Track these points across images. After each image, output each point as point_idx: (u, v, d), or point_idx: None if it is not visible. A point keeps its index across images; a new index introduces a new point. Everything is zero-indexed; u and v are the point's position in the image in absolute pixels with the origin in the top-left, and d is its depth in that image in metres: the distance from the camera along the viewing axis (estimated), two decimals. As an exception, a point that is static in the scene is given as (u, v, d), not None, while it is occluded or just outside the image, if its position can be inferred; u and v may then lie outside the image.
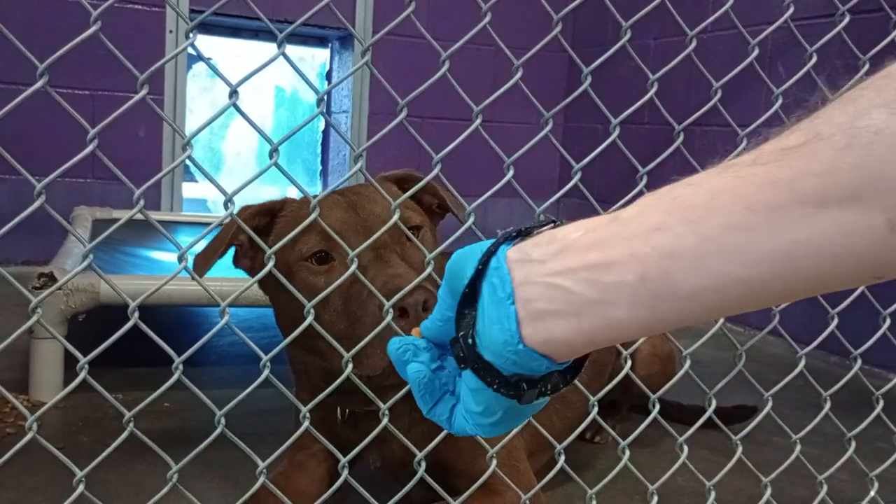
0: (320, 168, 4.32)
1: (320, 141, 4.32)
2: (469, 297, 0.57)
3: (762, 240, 0.46)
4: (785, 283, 0.46)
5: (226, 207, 0.89)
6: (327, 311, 1.12)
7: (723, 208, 0.47)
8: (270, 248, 0.96)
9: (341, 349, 1.00)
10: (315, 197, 0.98)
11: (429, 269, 1.02)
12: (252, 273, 1.26)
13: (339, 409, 1.27)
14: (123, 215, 0.84)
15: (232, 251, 1.25)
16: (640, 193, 1.09)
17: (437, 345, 0.63)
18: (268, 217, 1.24)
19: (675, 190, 0.51)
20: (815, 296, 0.50)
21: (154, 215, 1.18)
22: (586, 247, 0.52)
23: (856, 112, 0.43)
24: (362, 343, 1.01)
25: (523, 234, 0.57)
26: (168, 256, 2.38)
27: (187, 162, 0.95)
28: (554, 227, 0.56)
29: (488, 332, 0.55)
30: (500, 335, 0.54)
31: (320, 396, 1.03)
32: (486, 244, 0.58)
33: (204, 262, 1.16)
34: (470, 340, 0.57)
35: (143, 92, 0.83)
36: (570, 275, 0.52)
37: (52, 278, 1.77)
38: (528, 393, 0.56)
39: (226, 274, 1.39)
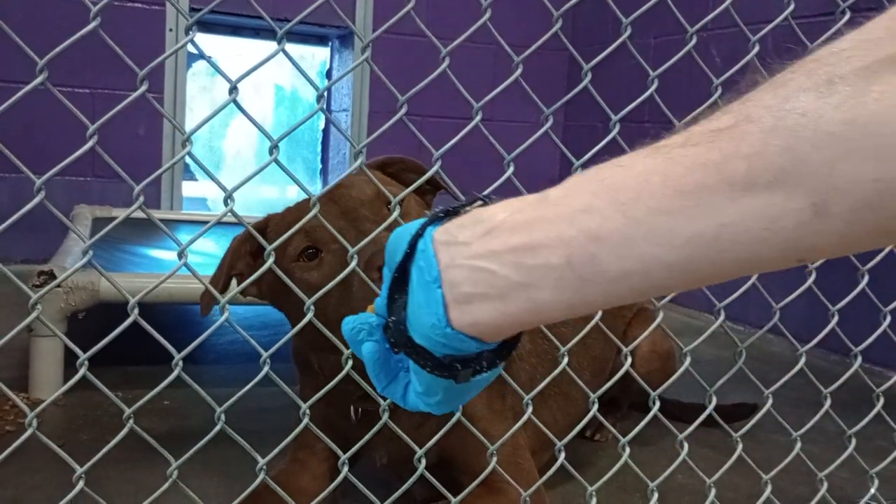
0: (320, 167, 4.32)
1: (320, 139, 4.31)
2: (399, 281, 0.57)
3: (691, 222, 0.45)
4: (710, 265, 0.46)
5: (225, 204, 0.89)
6: (331, 302, 1.11)
7: (653, 190, 0.46)
8: (268, 268, 0.96)
9: (340, 345, 1.00)
10: (304, 201, 0.98)
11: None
12: (260, 297, 1.27)
13: (352, 408, 1.27)
14: (123, 214, 0.84)
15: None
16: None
17: None
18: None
19: (604, 171, 0.50)
20: (738, 277, 0.49)
21: (154, 213, 1.18)
22: (511, 229, 0.51)
23: (785, 95, 0.43)
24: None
25: (451, 213, 0.56)
26: (168, 255, 2.38)
27: (187, 160, 0.95)
28: (482, 206, 0.56)
29: (417, 316, 0.55)
30: (428, 319, 0.54)
31: (320, 393, 1.03)
32: (416, 225, 0.57)
33: (209, 298, 1.16)
34: (402, 325, 0.56)
35: (143, 88, 0.83)
36: (495, 258, 0.51)
37: (51, 276, 1.77)
38: (462, 373, 0.56)
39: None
